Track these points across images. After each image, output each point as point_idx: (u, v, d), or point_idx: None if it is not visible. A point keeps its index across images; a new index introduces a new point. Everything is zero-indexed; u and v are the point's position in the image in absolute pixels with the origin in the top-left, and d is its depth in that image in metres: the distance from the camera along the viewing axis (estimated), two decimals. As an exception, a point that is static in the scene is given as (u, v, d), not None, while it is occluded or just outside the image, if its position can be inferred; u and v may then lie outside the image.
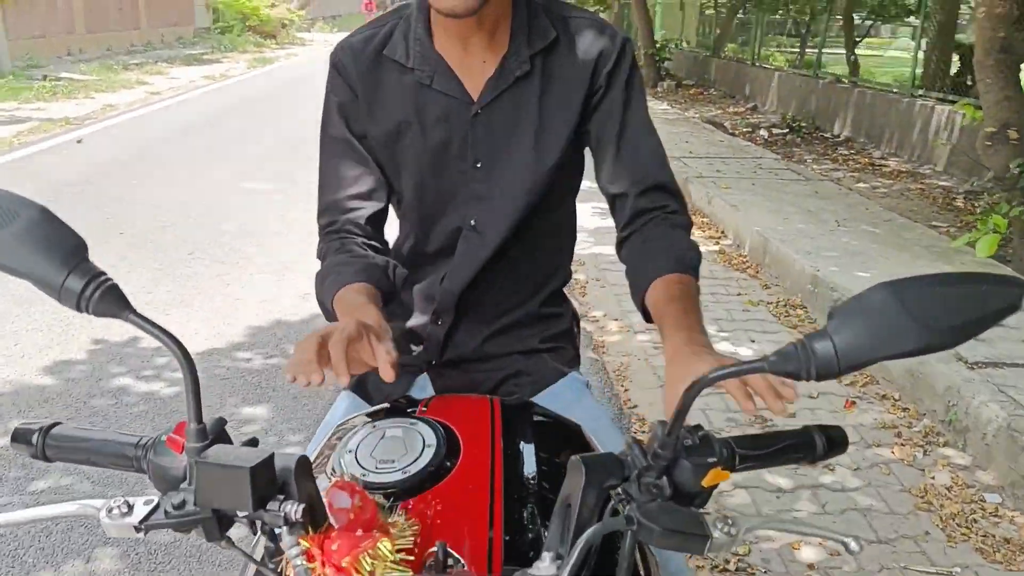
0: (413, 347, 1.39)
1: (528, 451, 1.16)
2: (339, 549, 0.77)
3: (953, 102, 8.13)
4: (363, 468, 0.99)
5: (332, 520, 0.77)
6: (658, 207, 1.26)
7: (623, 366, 3.83)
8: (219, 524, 0.79)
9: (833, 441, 0.90)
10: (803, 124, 10.62)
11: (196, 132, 10.16)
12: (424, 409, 1.16)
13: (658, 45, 16.64)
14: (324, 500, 0.79)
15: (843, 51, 12.60)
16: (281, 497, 0.78)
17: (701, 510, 0.81)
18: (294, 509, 0.76)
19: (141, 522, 0.80)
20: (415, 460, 1.02)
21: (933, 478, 2.95)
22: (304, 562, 0.76)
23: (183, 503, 0.79)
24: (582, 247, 5.61)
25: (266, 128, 10.56)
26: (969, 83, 8.85)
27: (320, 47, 28.67)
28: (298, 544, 0.77)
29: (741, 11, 17.30)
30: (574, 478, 0.83)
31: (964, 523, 2.70)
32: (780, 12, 17.76)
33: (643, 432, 3.26)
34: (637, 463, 0.80)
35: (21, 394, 3.35)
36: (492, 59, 1.23)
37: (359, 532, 0.78)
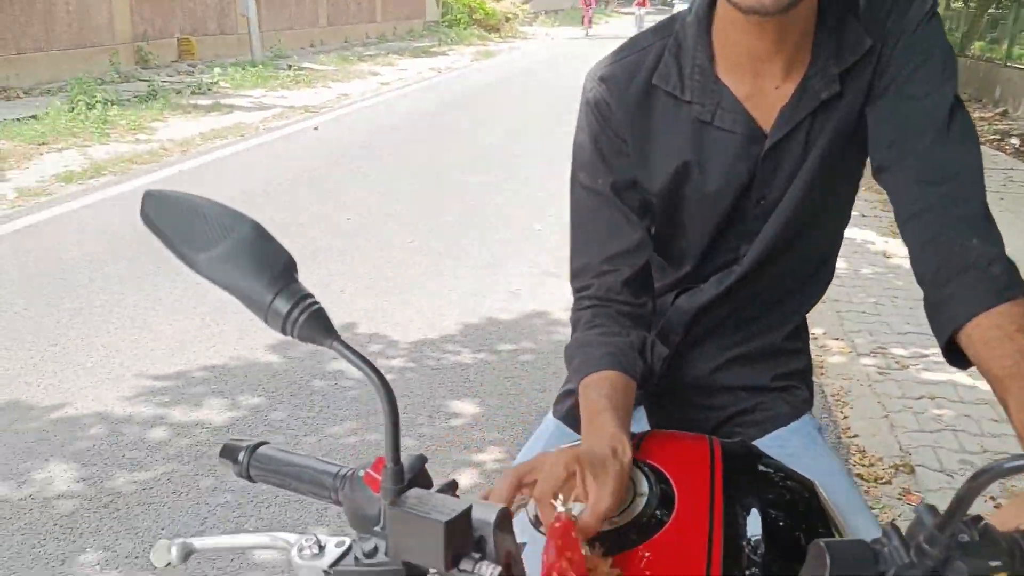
0: None
1: (752, 508, 1.04)
2: None
3: None
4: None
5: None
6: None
7: (843, 391, 3.57)
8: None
9: None
10: (1065, 133, 9.51)
11: (421, 122, 10.59)
12: (636, 449, 1.07)
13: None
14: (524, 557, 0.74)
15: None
16: (477, 556, 0.73)
17: None
18: (491, 571, 0.71)
19: (331, 566, 0.77)
20: (625, 510, 0.94)
21: None
22: None
23: (375, 550, 0.75)
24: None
25: (489, 121, 10.83)
26: None
27: (541, 40, 29.14)
28: None
29: (994, 6, 15.77)
30: (816, 568, 0.72)
31: None
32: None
33: (862, 464, 3.02)
34: (896, 558, 0.67)
35: (251, 370, 3.60)
36: (788, 83, 1.06)
37: None
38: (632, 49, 1.14)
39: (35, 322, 4.00)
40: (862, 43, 1.04)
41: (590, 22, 32.10)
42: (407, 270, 4.89)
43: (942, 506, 0.64)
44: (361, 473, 0.80)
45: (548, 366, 3.68)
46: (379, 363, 3.57)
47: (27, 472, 2.79)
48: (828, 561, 0.69)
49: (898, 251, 5.47)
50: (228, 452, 0.88)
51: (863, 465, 3.02)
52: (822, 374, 3.75)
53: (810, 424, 1.29)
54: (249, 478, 0.87)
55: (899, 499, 2.82)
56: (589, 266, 1.16)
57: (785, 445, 1.22)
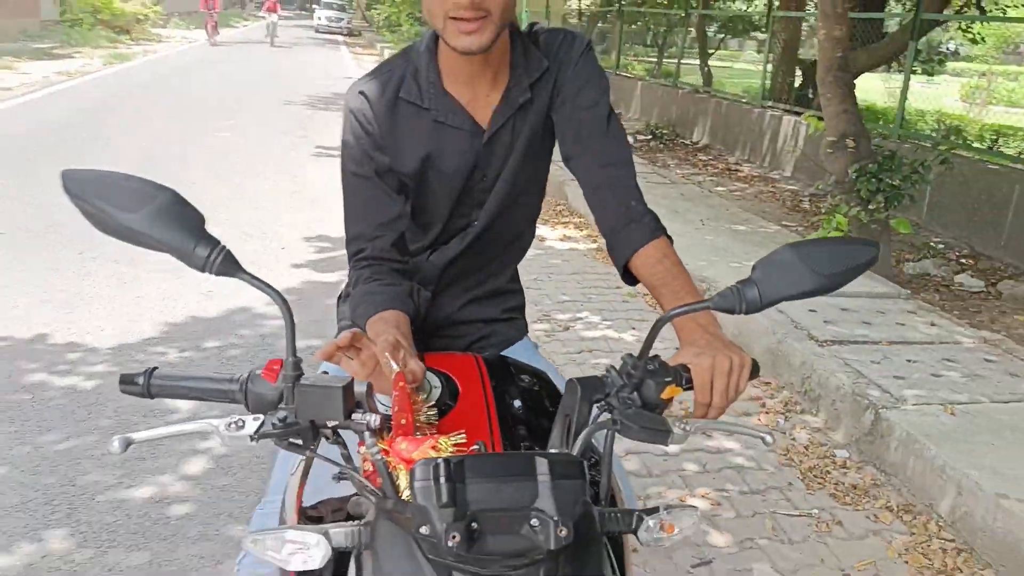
0: None
1: (511, 389, 1.46)
2: (407, 448, 1.04)
3: (798, 113, 8.94)
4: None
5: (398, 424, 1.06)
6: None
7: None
8: (313, 433, 1.05)
9: (754, 371, 1.23)
10: (665, 131, 11.32)
11: (61, 131, 9.81)
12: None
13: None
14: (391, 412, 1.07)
15: (697, 62, 13.45)
16: (361, 410, 1.06)
17: (673, 420, 1.12)
18: (375, 419, 1.04)
19: (254, 433, 1.05)
20: (426, 397, 1.29)
21: (794, 439, 3.43)
22: (383, 458, 1.03)
23: (285, 418, 1.05)
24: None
25: (138, 128, 10.31)
26: (811, 96, 9.73)
27: (179, 44, 27.74)
28: (377, 446, 1.03)
29: (601, 21, 18.10)
30: (571, 395, 1.13)
31: (819, 475, 3.18)
32: (639, 23, 18.69)
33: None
34: (615, 383, 1.11)
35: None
36: (495, 92, 1.47)
37: (418, 435, 1.06)
38: (381, 71, 1.51)
39: None
40: (541, 64, 1.49)
41: (215, 28, 28.05)
42: (82, 280, 4.71)
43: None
44: (259, 372, 1.09)
45: (257, 357, 3.85)
46: (80, 369, 3.60)
47: None
48: (579, 389, 1.11)
49: (549, 235, 6.31)
50: (127, 379, 1.10)
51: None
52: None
53: (529, 343, 1.75)
54: (151, 396, 1.10)
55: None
56: (362, 234, 1.50)
57: (518, 357, 1.64)
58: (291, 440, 1.06)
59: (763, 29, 11.59)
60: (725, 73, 16.74)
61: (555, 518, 0.91)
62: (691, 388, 1.17)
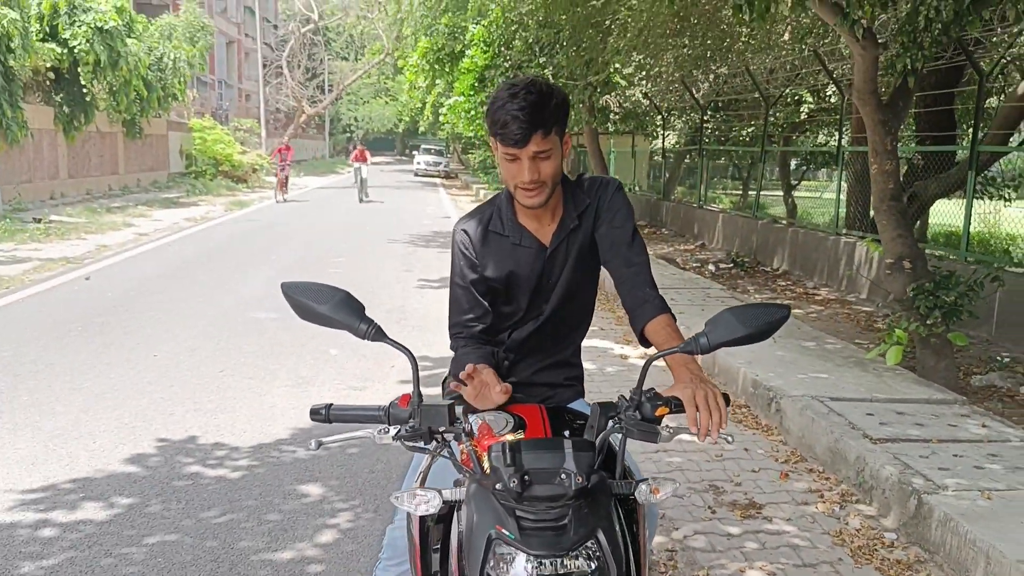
0: None
1: (562, 429, 2.04)
2: (488, 440, 1.66)
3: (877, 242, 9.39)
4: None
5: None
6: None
7: (601, 452, 4.68)
8: (429, 436, 1.68)
9: (728, 400, 1.78)
10: (746, 259, 11.88)
11: (192, 268, 11.03)
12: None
13: (611, 189, 18.18)
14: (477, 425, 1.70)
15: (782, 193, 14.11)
16: (459, 422, 1.68)
17: (661, 426, 1.69)
18: (468, 426, 1.67)
19: (394, 436, 1.69)
20: (502, 429, 1.88)
21: (847, 523, 3.82)
22: (474, 448, 1.64)
23: (413, 427, 1.69)
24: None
25: (260, 263, 11.48)
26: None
27: (292, 191, 29.99)
28: (470, 441, 1.66)
29: (687, 158, 19.08)
30: (594, 413, 1.73)
31: (867, 552, 3.55)
32: (723, 159, 19.59)
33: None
34: (623, 405, 1.70)
35: (113, 478, 4.08)
36: (554, 222, 2.18)
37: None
38: (476, 212, 2.25)
39: None
40: (584, 201, 2.19)
41: (285, 185, 24.38)
42: (225, 392, 5.50)
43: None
44: (396, 401, 1.72)
45: (373, 454, 4.48)
46: (224, 465, 4.28)
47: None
48: (600, 409, 1.70)
49: (632, 353, 6.87)
50: (314, 411, 1.75)
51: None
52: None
53: (583, 402, 2.34)
54: (329, 421, 1.75)
55: (647, 514, 3.90)
56: (459, 323, 2.24)
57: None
58: (415, 444, 1.70)
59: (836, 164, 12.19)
60: (811, 203, 17.31)
61: (575, 472, 1.51)
62: (680, 411, 1.73)
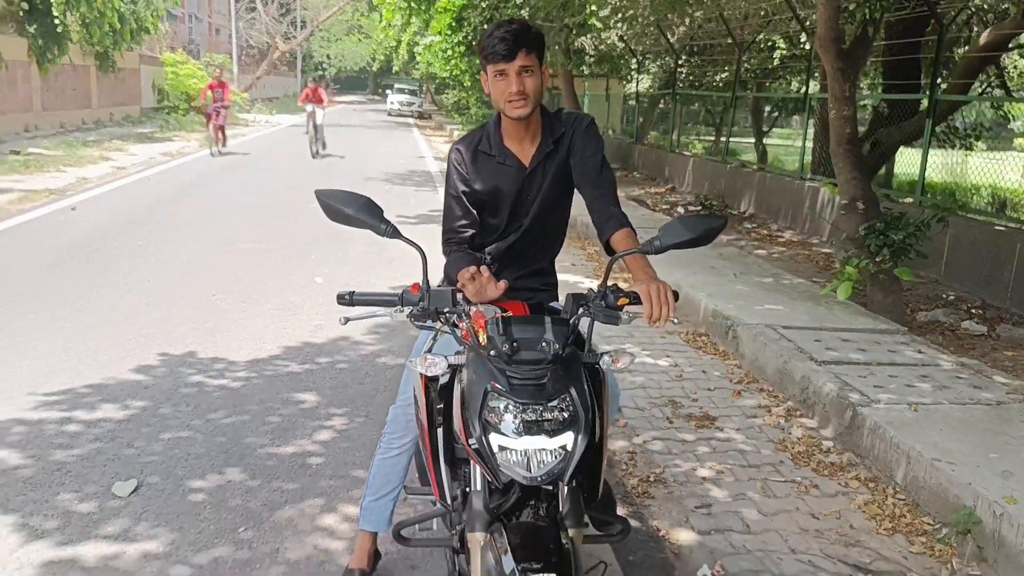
0: None
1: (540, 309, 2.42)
2: (484, 315, 2.03)
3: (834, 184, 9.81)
4: None
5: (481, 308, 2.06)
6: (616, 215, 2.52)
7: (572, 371, 5.10)
8: (436, 315, 2.05)
9: (677, 296, 2.17)
10: (714, 202, 12.28)
11: (175, 201, 11.24)
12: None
13: (586, 132, 18.46)
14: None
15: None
16: (461, 304, 2.06)
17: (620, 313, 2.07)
18: (469, 309, 2.05)
19: (408, 315, 2.06)
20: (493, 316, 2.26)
21: (790, 433, 4.28)
22: (472, 324, 2.00)
23: (423, 308, 2.06)
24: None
25: (237, 200, 11.69)
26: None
27: (263, 128, 29.85)
28: (469, 319, 2.03)
29: (661, 102, 19.35)
30: (568, 301, 2.11)
31: (806, 456, 4.02)
32: (696, 104, 19.87)
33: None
34: (591, 296, 2.08)
35: (124, 385, 4.44)
36: (533, 146, 2.53)
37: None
38: (469, 136, 2.59)
39: None
40: (559, 130, 2.54)
41: (222, 134, 18.56)
42: (220, 315, 5.83)
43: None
44: (410, 287, 2.09)
45: (360, 369, 4.86)
46: (225, 376, 4.64)
47: (-24, 458, 3.52)
48: (572, 299, 2.09)
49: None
50: (340, 297, 2.11)
51: (588, 408, 4.52)
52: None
53: (558, 305, 2.70)
54: (352, 304, 2.11)
55: (612, 425, 4.33)
56: (451, 229, 2.58)
57: None
58: (424, 322, 2.07)
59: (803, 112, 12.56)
60: (783, 150, 17.66)
61: (553, 342, 1.89)
62: (637, 303, 2.11)
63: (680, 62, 17.01)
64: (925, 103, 9.05)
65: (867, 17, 5.88)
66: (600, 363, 2.06)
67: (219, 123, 18.16)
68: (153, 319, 5.64)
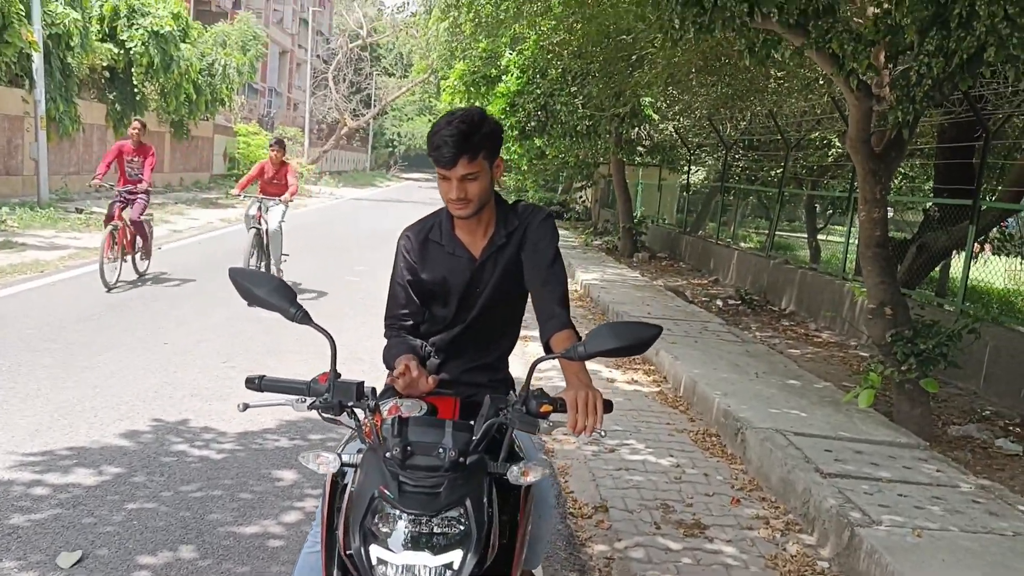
0: None
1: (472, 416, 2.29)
2: (386, 413, 1.92)
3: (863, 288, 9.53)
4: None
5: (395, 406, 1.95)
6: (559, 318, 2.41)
7: (567, 466, 4.92)
8: (340, 408, 1.95)
9: (608, 406, 2.04)
10: (755, 297, 12.03)
11: (216, 266, 11.43)
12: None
13: (635, 220, 18.45)
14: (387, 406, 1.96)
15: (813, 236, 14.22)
16: (366, 399, 1.96)
17: (540, 419, 1.94)
18: (373, 404, 1.95)
19: (308, 406, 1.97)
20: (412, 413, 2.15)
21: (784, 549, 4.02)
22: (373, 422, 1.89)
23: (327, 399, 1.97)
24: (544, 381, 6.77)
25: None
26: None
27: (326, 200, 30.60)
28: (371, 417, 1.93)
29: (718, 194, 19.26)
30: (487, 404, 2.00)
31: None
32: (751, 197, 19.73)
33: (574, 508, 4.32)
34: (512, 400, 1.96)
35: (106, 450, 4.41)
36: (485, 238, 2.45)
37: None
38: (421, 222, 2.53)
39: None
40: (514, 223, 2.46)
41: (132, 244, 9.77)
42: (225, 381, 5.82)
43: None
44: (317, 378, 2.00)
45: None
46: (210, 447, 4.57)
47: (-66, 515, 3.49)
48: (490, 402, 1.97)
49: (619, 378, 7.10)
50: (249, 381, 2.03)
51: (574, 509, 4.33)
52: (553, 456, 5.09)
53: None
54: (261, 390, 2.03)
55: (595, 527, 4.13)
56: (393, 316, 2.53)
57: None
58: (329, 415, 1.98)
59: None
60: (838, 247, 17.27)
61: (450, 448, 1.77)
62: (564, 411, 1.98)
63: (736, 155, 16.96)
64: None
65: (900, 120, 5.74)
66: (508, 474, 1.93)
67: (133, 219, 9.60)
68: (157, 383, 5.65)
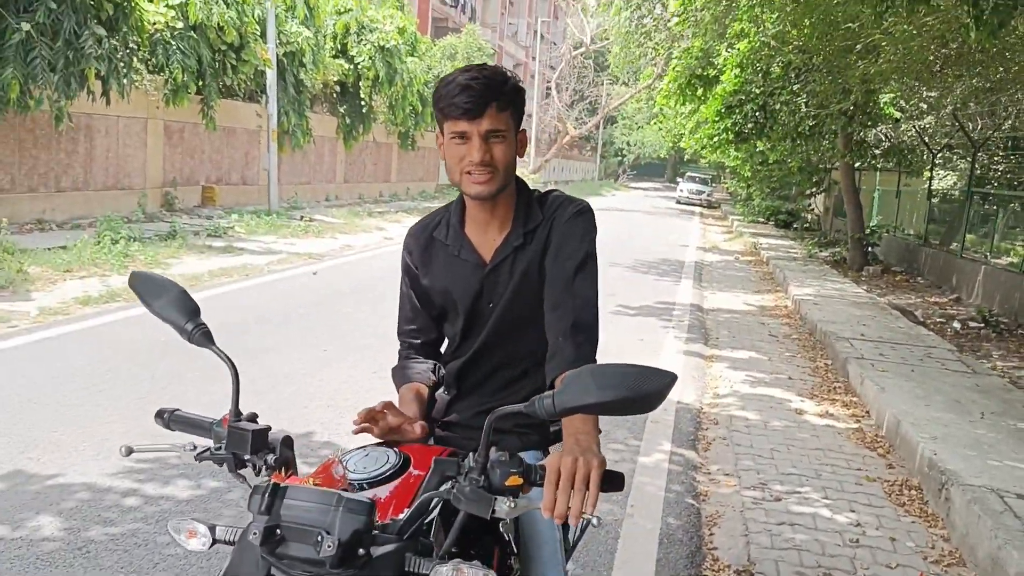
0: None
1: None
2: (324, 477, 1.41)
3: None
4: (347, 468, 1.61)
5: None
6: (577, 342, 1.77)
7: (716, 514, 4.17)
8: (235, 462, 1.47)
9: (614, 482, 1.41)
10: (1002, 320, 10.32)
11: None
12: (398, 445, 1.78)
13: (869, 230, 16.70)
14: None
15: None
16: (273, 454, 1.46)
17: (501, 496, 1.34)
18: (271, 458, 1.45)
19: (197, 456, 1.51)
20: (376, 468, 1.62)
21: (979, 654, 3.07)
22: (265, 484, 1.36)
23: (218, 448, 1.51)
24: (720, 408, 5.98)
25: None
26: None
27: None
28: (265, 476, 1.43)
29: (973, 201, 17.02)
30: (434, 469, 1.43)
31: None
32: (1012, 206, 17.27)
33: (712, 569, 3.60)
34: (467, 467, 1.38)
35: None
36: (500, 236, 1.89)
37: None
38: (429, 217, 2.01)
39: (39, 412, 4.70)
40: (537, 218, 1.87)
41: None
42: (367, 393, 5.58)
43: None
44: (220, 419, 1.54)
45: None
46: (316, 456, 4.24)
47: (22, 520, 3.43)
48: (438, 467, 1.40)
49: (810, 409, 6.15)
50: (158, 415, 1.61)
51: (712, 570, 3.61)
52: (704, 500, 4.36)
53: (538, 455, 1.99)
54: (169, 428, 1.60)
55: (733, 595, 3.39)
56: (403, 331, 2.06)
57: None
58: (230, 470, 1.50)
59: None
60: None
61: (334, 536, 1.23)
62: (539, 484, 1.38)
63: (996, 157, 14.87)
64: None
65: None
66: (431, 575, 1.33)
67: None
68: (295, 391, 5.52)
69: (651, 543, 3.77)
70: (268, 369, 5.96)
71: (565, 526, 2.17)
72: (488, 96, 1.72)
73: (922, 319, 10.43)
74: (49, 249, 10.18)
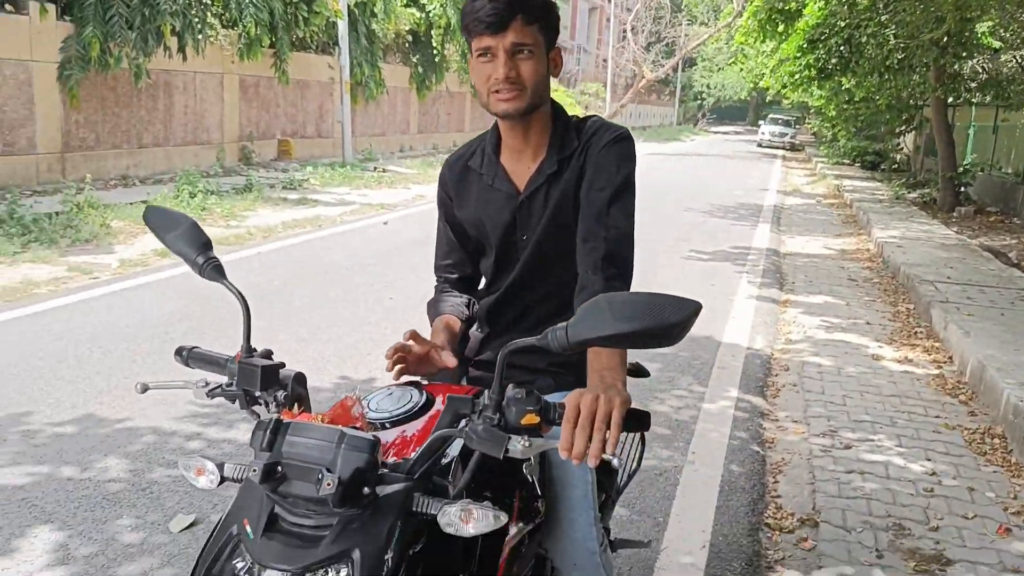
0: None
1: None
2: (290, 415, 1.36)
3: None
4: (368, 407, 1.56)
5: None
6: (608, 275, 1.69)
7: (782, 462, 4.04)
8: (248, 399, 1.44)
9: (640, 421, 1.32)
10: (1105, 261, 9.71)
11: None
12: (426, 383, 1.72)
13: (963, 169, 15.89)
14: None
15: None
16: (284, 391, 1.43)
17: (515, 436, 1.26)
18: (281, 395, 1.41)
19: (208, 393, 1.48)
20: (398, 407, 1.56)
21: (1059, 609, 2.91)
22: (275, 419, 1.30)
23: (229, 384, 1.48)
24: (792, 353, 5.79)
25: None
26: None
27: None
28: (275, 412, 1.39)
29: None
30: (448, 407, 1.37)
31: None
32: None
33: (774, 518, 3.49)
34: (481, 404, 1.31)
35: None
36: (534, 164, 1.80)
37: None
38: (467, 146, 1.94)
39: (113, 359, 4.85)
40: (573, 144, 1.77)
41: None
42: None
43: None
44: (234, 356, 1.51)
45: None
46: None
47: (91, 462, 3.55)
48: (453, 404, 1.34)
49: (888, 355, 5.90)
50: (178, 352, 1.59)
51: (774, 518, 3.49)
52: (770, 448, 4.23)
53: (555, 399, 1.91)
54: (188, 364, 1.58)
55: (795, 546, 3.27)
56: (439, 266, 2.03)
57: None
58: (241, 406, 1.48)
59: None
60: None
61: (335, 474, 1.18)
62: (557, 423, 1.30)
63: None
64: None
65: None
66: (439, 516, 1.26)
67: None
68: (360, 338, 5.55)
69: (711, 490, 3.67)
70: (335, 317, 6.02)
71: (610, 470, 2.12)
72: (513, 8, 1.64)
73: (1016, 260, 9.90)
74: (131, 204, 10.47)
